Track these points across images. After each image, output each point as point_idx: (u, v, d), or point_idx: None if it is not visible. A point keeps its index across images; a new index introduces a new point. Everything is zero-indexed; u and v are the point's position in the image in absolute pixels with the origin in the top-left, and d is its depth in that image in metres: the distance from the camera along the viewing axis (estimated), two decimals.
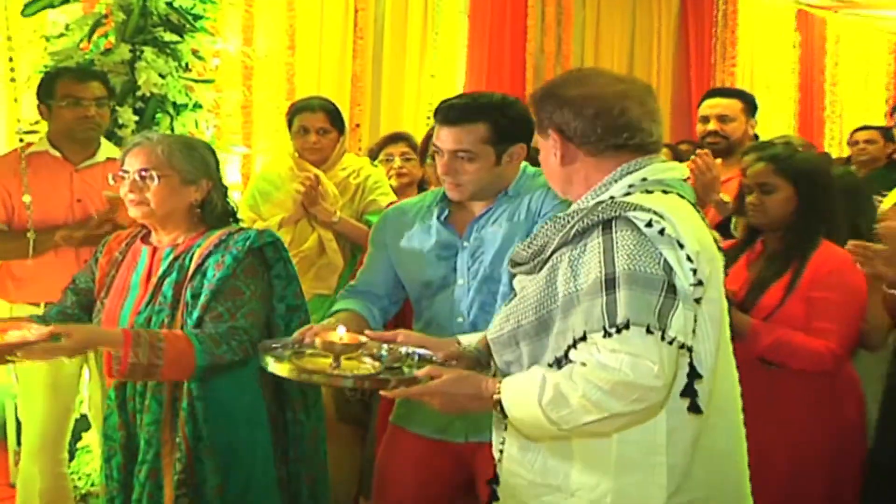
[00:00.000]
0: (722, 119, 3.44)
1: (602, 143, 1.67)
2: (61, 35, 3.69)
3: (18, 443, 3.33)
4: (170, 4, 3.63)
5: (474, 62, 6.52)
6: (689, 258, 1.54)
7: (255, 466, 2.14)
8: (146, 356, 1.92)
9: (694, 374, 1.57)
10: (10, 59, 3.07)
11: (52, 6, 3.69)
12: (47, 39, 3.72)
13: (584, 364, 1.52)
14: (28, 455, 3.02)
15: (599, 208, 1.59)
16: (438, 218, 2.27)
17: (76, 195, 3.05)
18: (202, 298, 2.05)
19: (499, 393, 1.64)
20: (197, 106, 3.73)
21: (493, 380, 1.70)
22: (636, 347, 1.47)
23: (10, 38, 3.13)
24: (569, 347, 1.56)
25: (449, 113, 2.15)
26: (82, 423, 3.43)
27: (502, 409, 1.63)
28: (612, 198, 1.63)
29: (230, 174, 4.12)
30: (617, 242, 1.54)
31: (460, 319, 2.21)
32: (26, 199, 2.95)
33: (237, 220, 2.28)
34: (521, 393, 1.60)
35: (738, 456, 1.75)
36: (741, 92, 3.84)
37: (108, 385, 2.22)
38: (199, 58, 3.78)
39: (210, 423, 2.07)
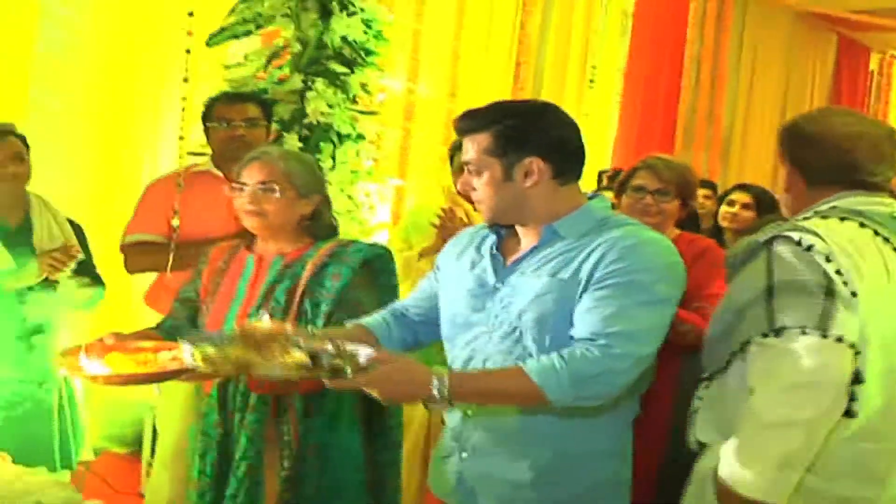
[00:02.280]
0: None
1: (823, 176, 1.68)
2: (239, 64, 3.54)
3: (153, 454, 3.11)
4: (344, 38, 3.40)
5: (626, 117, 6.10)
6: (838, 272, 1.52)
7: (348, 467, 2.05)
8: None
9: (856, 379, 1.50)
10: (183, 99, 2.95)
11: (237, 37, 3.52)
12: (226, 68, 3.58)
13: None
14: (160, 463, 2.80)
15: (766, 229, 1.62)
16: (491, 247, 1.77)
17: (233, 212, 2.79)
18: (324, 307, 1.98)
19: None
20: (360, 137, 3.46)
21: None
22: (797, 349, 1.45)
23: (186, 80, 3.04)
24: (732, 354, 1.58)
25: (459, 123, 1.72)
26: None
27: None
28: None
29: (381, 212, 3.82)
30: (776, 256, 1.56)
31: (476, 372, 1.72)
32: (175, 222, 2.80)
33: (337, 234, 2.20)
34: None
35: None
36: None
37: (206, 389, 2.13)
38: (367, 91, 3.51)
39: (317, 423, 2.02)
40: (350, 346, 1.55)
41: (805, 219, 1.64)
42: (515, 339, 1.65)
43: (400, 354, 1.64)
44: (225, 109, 2.88)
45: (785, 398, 1.46)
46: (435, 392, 1.51)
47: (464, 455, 1.75)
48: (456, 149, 3.18)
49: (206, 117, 2.93)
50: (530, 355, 1.61)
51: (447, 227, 2.95)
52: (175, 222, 2.81)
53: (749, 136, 6.73)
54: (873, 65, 7.68)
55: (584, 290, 1.58)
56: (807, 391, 1.45)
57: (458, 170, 3.07)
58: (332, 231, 2.16)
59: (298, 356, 1.53)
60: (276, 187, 2.02)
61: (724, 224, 3.67)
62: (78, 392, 2.68)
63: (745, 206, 3.62)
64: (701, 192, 4.45)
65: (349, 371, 1.50)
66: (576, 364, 1.51)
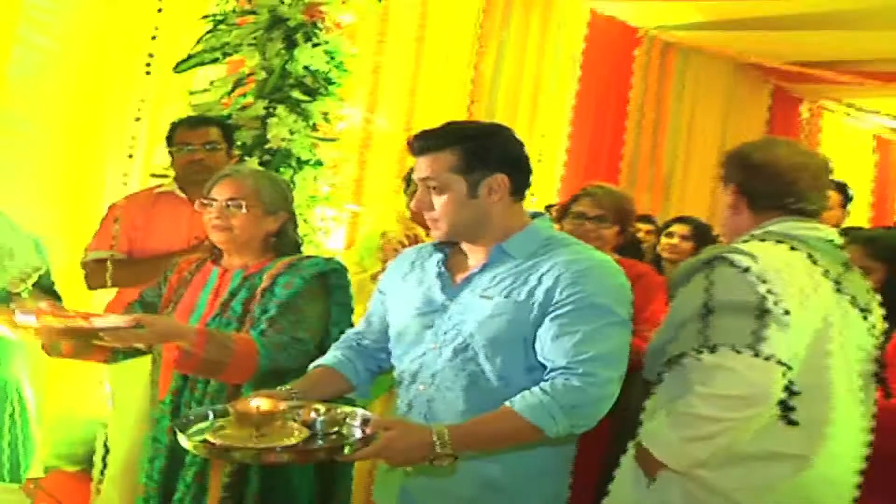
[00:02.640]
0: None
1: (767, 201, 1.73)
2: (205, 90, 3.55)
3: (103, 472, 3.05)
4: (307, 68, 3.44)
5: (573, 157, 6.24)
6: (771, 292, 1.58)
7: (297, 477, 2.01)
8: (216, 353, 1.85)
9: (790, 391, 1.60)
10: (138, 119, 2.96)
11: (203, 64, 3.53)
12: (192, 93, 3.58)
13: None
14: (110, 480, 2.78)
15: (706, 251, 1.70)
16: (437, 266, 1.76)
17: (194, 232, 2.83)
18: (268, 313, 1.97)
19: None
20: (318, 163, 3.49)
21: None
22: (730, 366, 1.54)
23: (142, 100, 3.06)
24: (663, 366, 1.67)
25: (417, 143, 1.70)
26: None
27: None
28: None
29: (337, 237, 3.83)
30: (714, 277, 1.62)
31: (421, 387, 1.71)
32: (115, 232, 2.84)
33: (301, 251, 2.19)
34: None
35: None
36: (840, 183, 3.68)
37: (160, 395, 2.09)
38: (327, 120, 3.54)
39: None
40: (342, 409, 1.55)
41: (742, 241, 1.72)
42: (468, 357, 1.65)
43: (398, 419, 1.62)
44: (186, 134, 2.89)
45: (715, 403, 1.56)
46: (437, 449, 1.48)
47: (409, 468, 1.71)
48: (412, 175, 3.22)
49: (168, 141, 2.94)
50: (483, 372, 1.63)
51: (396, 254, 2.97)
52: (115, 235, 2.83)
53: (688, 177, 6.92)
54: (803, 114, 8.00)
55: (541, 314, 1.59)
56: (736, 402, 1.55)
57: (414, 194, 3.12)
58: (297, 248, 2.16)
59: (297, 434, 1.48)
60: (244, 203, 2.03)
61: (663, 255, 3.70)
62: (30, 405, 2.62)
63: (684, 238, 3.67)
64: (642, 226, 4.56)
65: (348, 449, 1.45)
66: (561, 396, 1.51)
